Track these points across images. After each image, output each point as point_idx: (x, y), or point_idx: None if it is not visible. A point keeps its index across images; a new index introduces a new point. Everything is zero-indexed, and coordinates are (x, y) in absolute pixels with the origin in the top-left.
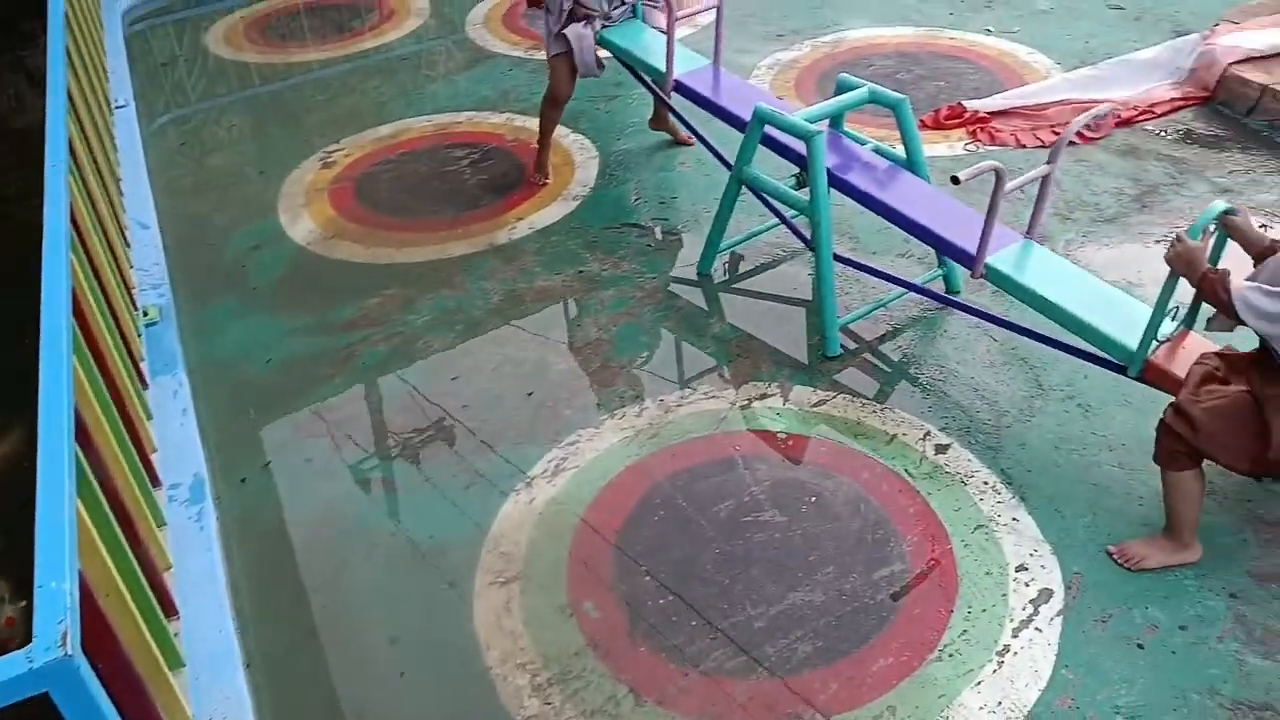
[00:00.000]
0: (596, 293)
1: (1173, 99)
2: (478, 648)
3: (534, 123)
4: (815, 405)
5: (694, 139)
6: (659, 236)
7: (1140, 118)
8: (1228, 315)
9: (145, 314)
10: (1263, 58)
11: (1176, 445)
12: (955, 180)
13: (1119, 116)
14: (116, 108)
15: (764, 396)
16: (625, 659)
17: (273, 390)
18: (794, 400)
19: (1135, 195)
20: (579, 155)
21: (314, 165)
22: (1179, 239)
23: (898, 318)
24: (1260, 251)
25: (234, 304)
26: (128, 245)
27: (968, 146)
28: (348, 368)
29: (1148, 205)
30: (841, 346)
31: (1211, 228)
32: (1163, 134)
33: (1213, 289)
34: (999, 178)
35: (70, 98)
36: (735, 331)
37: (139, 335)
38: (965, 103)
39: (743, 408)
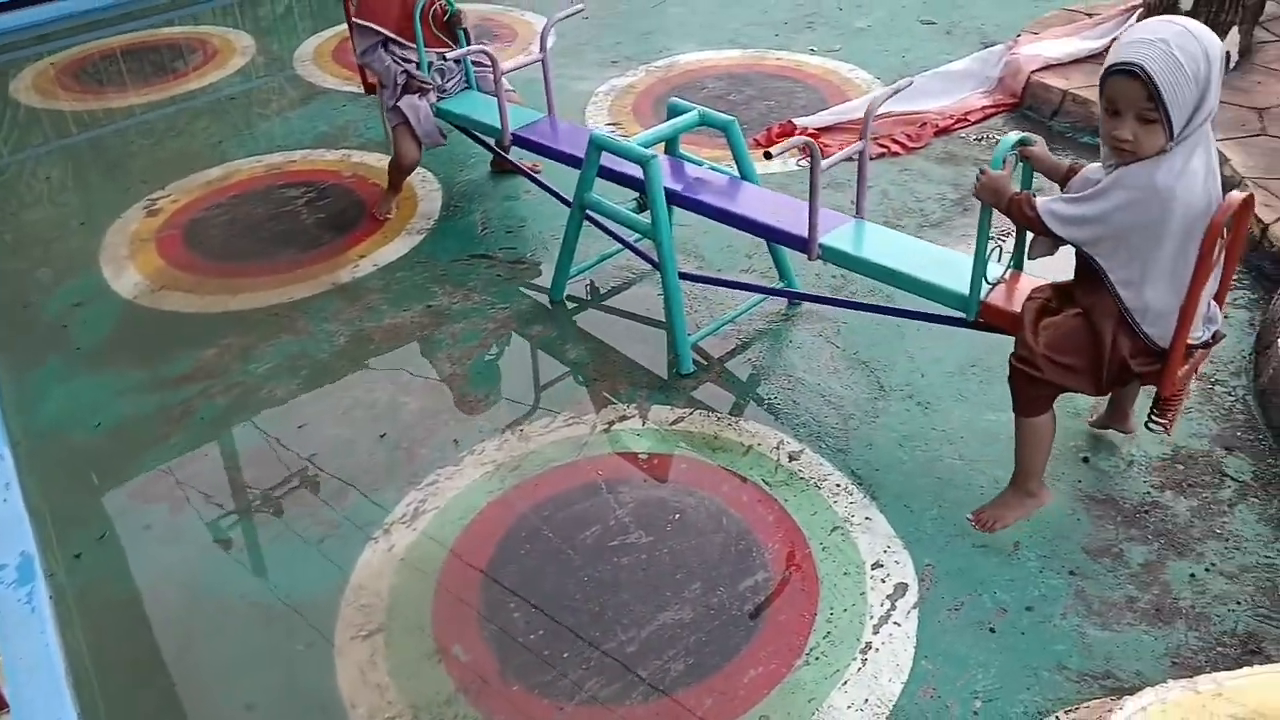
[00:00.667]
0: (447, 326)
1: (984, 107)
2: (342, 707)
3: (371, 158)
4: (674, 423)
5: (540, 165)
6: (508, 266)
7: (956, 126)
8: (1039, 232)
9: None
10: (1061, 65)
11: (1030, 388)
12: (768, 155)
13: (936, 126)
14: None
15: (624, 418)
16: (498, 700)
17: (105, 456)
18: (653, 419)
19: (956, 199)
20: (422, 188)
21: (139, 214)
22: (983, 171)
23: (746, 331)
24: (1063, 176)
25: (57, 367)
26: None
27: (799, 162)
28: (185, 425)
29: (969, 208)
30: (695, 363)
31: (1012, 158)
32: (978, 140)
33: (1020, 209)
34: (812, 153)
35: None
36: (592, 355)
37: None
38: (795, 120)
39: (603, 431)
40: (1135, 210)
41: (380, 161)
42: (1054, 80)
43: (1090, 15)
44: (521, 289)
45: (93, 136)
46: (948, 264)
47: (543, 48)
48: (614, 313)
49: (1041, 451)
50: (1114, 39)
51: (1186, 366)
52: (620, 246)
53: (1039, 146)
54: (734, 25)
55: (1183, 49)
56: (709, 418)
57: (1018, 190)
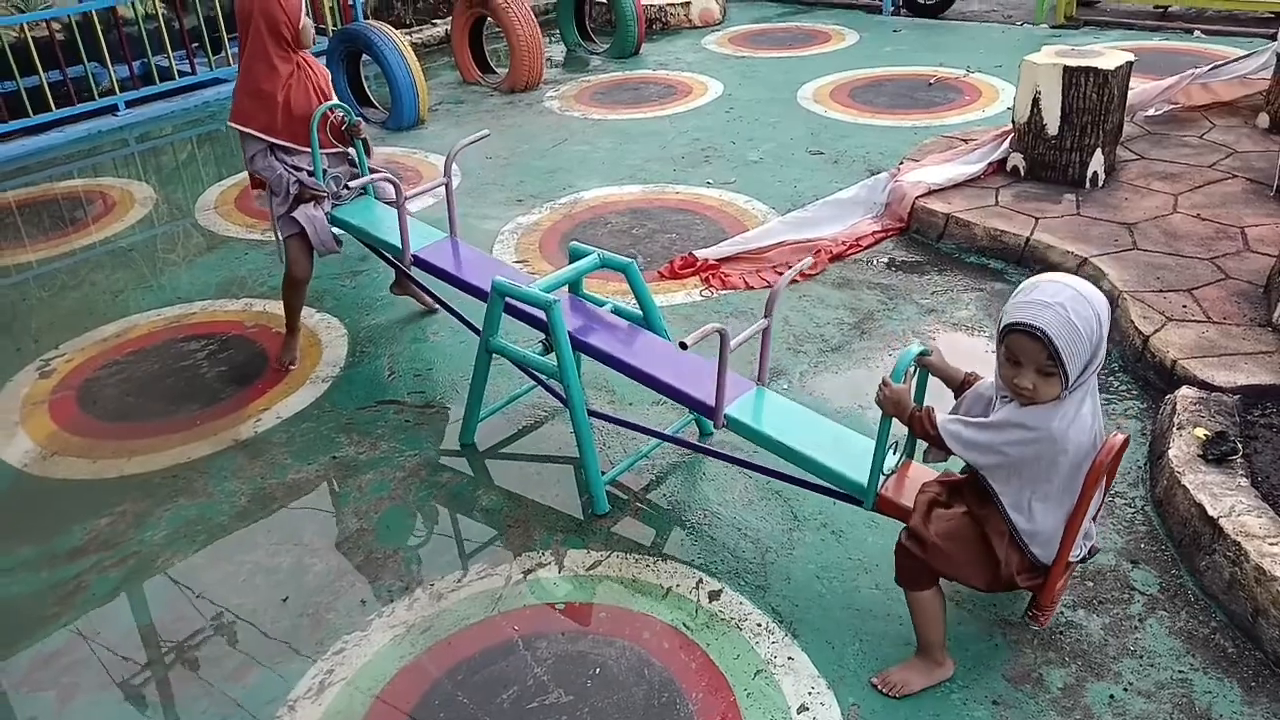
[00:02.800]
0: (354, 478)
1: (874, 232)
2: None
3: (274, 306)
4: (591, 568)
5: (438, 306)
6: (417, 411)
7: (849, 251)
8: (938, 448)
9: None
10: (942, 189)
11: (913, 567)
12: (683, 345)
13: (831, 252)
14: None
15: (539, 566)
16: None
17: None
18: (569, 566)
19: (854, 323)
20: (326, 335)
21: (31, 376)
22: (885, 384)
23: (660, 465)
24: (959, 385)
25: None
26: None
27: (703, 293)
28: (75, 602)
29: (866, 331)
30: (611, 500)
31: (912, 369)
32: (871, 264)
33: (921, 426)
34: (723, 338)
35: None
36: (505, 500)
37: None
38: (696, 252)
39: (519, 582)
40: (1029, 448)
41: (282, 309)
42: (937, 205)
43: (966, 141)
44: (431, 434)
45: None
46: (847, 446)
47: (447, 172)
48: (527, 453)
49: (935, 623)
50: (989, 164)
51: (1065, 577)
52: (527, 387)
53: (936, 356)
54: (634, 162)
55: (1078, 313)
56: (626, 559)
57: (918, 405)
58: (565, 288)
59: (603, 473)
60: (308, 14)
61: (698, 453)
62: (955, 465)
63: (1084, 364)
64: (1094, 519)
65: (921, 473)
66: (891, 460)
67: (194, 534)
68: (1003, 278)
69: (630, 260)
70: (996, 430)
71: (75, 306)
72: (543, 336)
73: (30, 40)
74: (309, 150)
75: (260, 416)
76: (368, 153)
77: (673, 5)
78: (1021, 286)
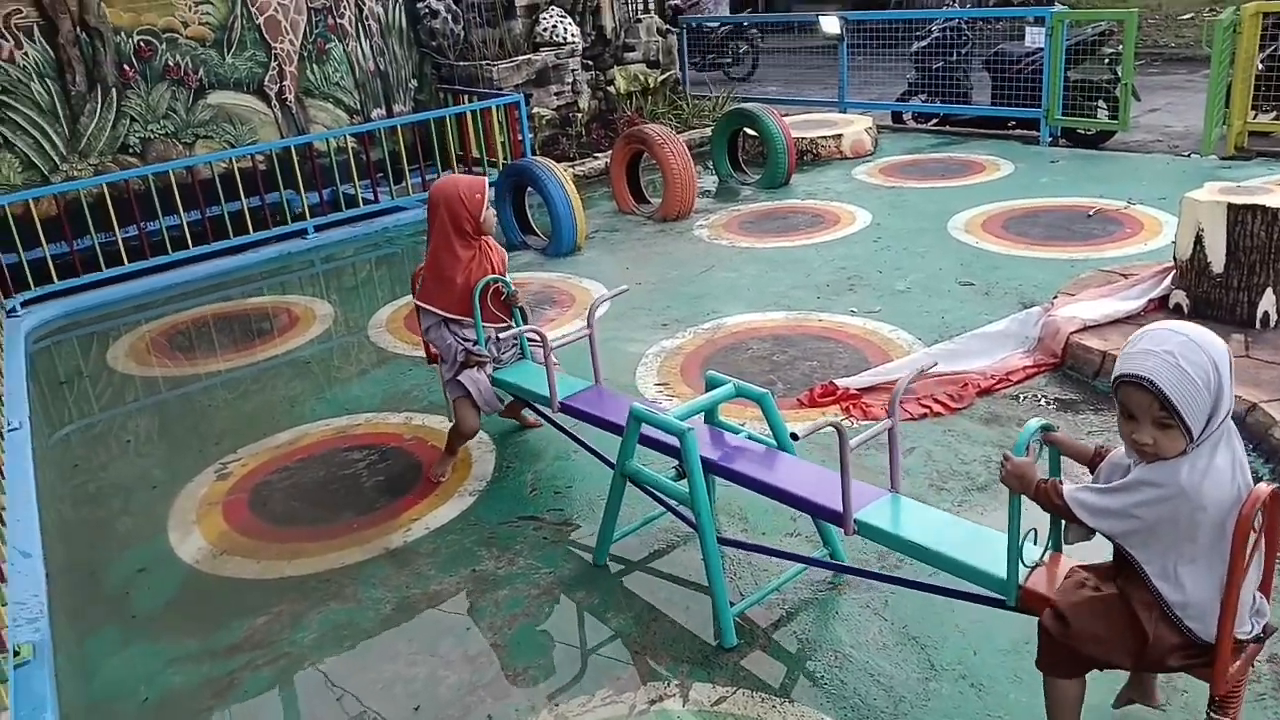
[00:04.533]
0: (491, 593)
1: (1026, 367)
2: None
3: (433, 420)
4: (716, 704)
5: (542, 422)
6: (555, 528)
7: (998, 386)
8: (1069, 520)
9: (16, 653)
10: (1099, 325)
11: (1056, 649)
12: (794, 436)
13: (979, 386)
14: (9, 430)
15: (663, 698)
16: None
17: None
18: (694, 700)
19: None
20: (476, 450)
21: (210, 477)
22: (1006, 458)
23: (791, 601)
24: (1090, 460)
25: (114, 635)
26: (3, 580)
27: (843, 423)
28: (229, 696)
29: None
30: (739, 632)
31: (1036, 446)
32: (1021, 400)
33: (1047, 497)
34: (840, 433)
35: None
36: (634, 625)
37: (4, 681)
38: (837, 381)
39: (642, 712)
40: (1163, 507)
41: (440, 424)
42: (1093, 341)
43: (1126, 276)
44: (566, 552)
45: (174, 400)
46: (985, 543)
47: (590, 323)
48: (658, 577)
49: (1065, 713)
50: (1150, 300)
51: (1239, 662)
52: (664, 510)
53: (1061, 432)
54: (778, 289)
55: (1188, 359)
56: (753, 698)
57: (1044, 477)
58: (700, 415)
59: (732, 604)
60: (492, 204)
61: (830, 569)
62: (1107, 552)
63: (1205, 413)
64: (1263, 591)
65: (1069, 566)
66: (1034, 551)
67: (341, 638)
68: None
69: (765, 391)
70: (1124, 493)
71: (255, 413)
72: (676, 462)
73: (236, 170)
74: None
75: (410, 526)
76: (525, 320)
77: (824, 137)
78: (1130, 338)
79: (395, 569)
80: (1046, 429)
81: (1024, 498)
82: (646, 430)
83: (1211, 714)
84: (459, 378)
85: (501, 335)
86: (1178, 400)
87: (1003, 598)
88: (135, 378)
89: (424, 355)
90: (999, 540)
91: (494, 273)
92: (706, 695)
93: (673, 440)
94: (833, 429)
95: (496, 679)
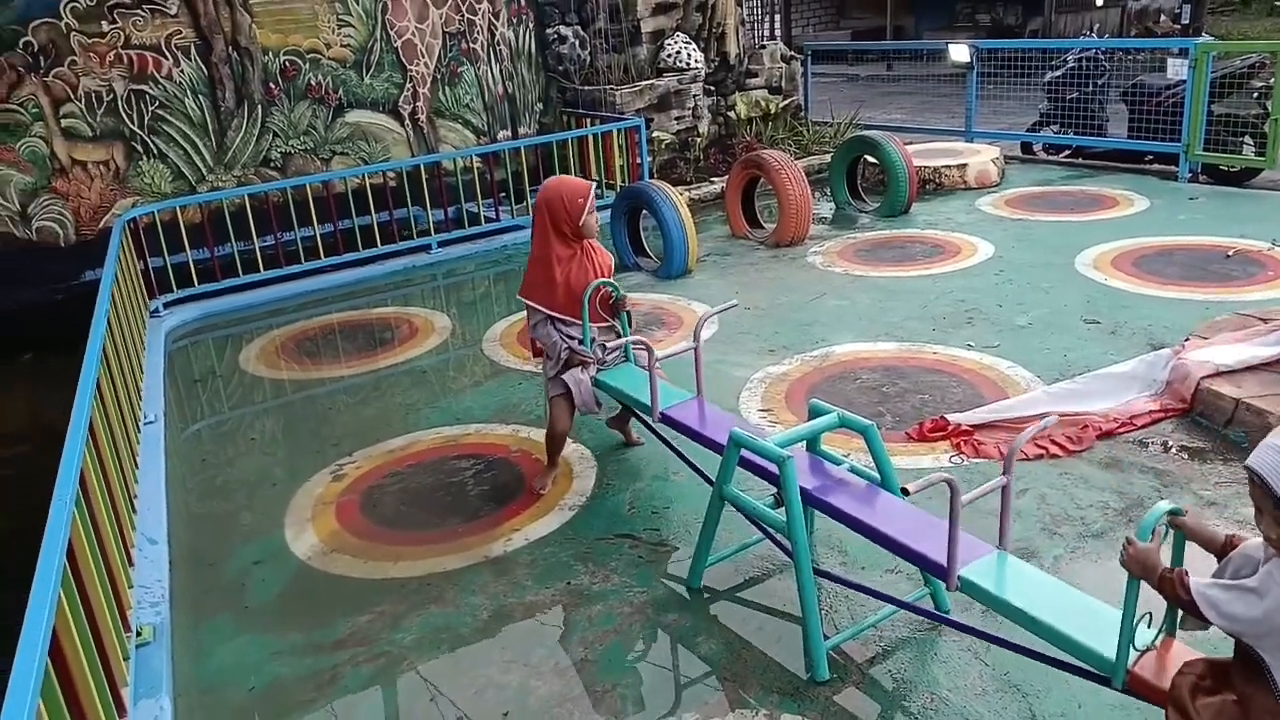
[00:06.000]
0: (585, 608)
1: (1151, 411)
2: None
3: (538, 434)
4: None
5: (644, 440)
6: (651, 547)
7: (1121, 430)
8: (1193, 614)
9: (139, 634)
10: (1233, 372)
11: None
12: (905, 492)
13: (1100, 429)
14: (145, 424)
15: None
16: None
17: (252, 718)
18: None
19: (1120, 509)
20: (578, 465)
21: (325, 478)
22: (1129, 542)
23: (888, 638)
24: (1220, 548)
25: (228, 623)
26: (130, 565)
27: (953, 459)
28: (330, 690)
29: (1134, 520)
30: (832, 669)
31: (1161, 529)
32: (1145, 446)
33: (1173, 589)
34: (953, 489)
35: (92, 427)
36: (725, 650)
37: (126, 659)
38: (948, 416)
39: None
40: None
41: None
42: (1226, 388)
43: (1265, 320)
44: (661, 572)
45: (298, 403)
46: (1094, 617)
47: (696, 337)
48: (752, 605)
49: None
50: None
51: None
52: (757, 538)
53: (1190, 516)
54: (892, 319)
55: None
56: None
57: (1169, 567)
58: (802, 444)
59: (826, 637)
60: (594, 210)
61: (928, 618)
62: (1225, 645)
63: None
64: None
65: (1184, 652)
66: (1147, 634)
67: (439, 641)
68: None
69: (870, 424)
70: (1255, 593)
71: (372, 418)
72: (775, 490)
73: (368, 186)
74: (581, 322)
75: (511, 536)
76: (630, 323)
77: (948, 166)
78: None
79: (494, 577)
80: (1175, 513)
81: None
82: (747, 455)
83: None
84: (562, 376)
85: (609, 345)
86: None
87: (1109, 679)
88: (264, 379)
89: (534, 369)
90: (1107, 614)
91: (598, 274)
92: None
93: (772, 467)
94: (946, 484)
95: (585, 694)
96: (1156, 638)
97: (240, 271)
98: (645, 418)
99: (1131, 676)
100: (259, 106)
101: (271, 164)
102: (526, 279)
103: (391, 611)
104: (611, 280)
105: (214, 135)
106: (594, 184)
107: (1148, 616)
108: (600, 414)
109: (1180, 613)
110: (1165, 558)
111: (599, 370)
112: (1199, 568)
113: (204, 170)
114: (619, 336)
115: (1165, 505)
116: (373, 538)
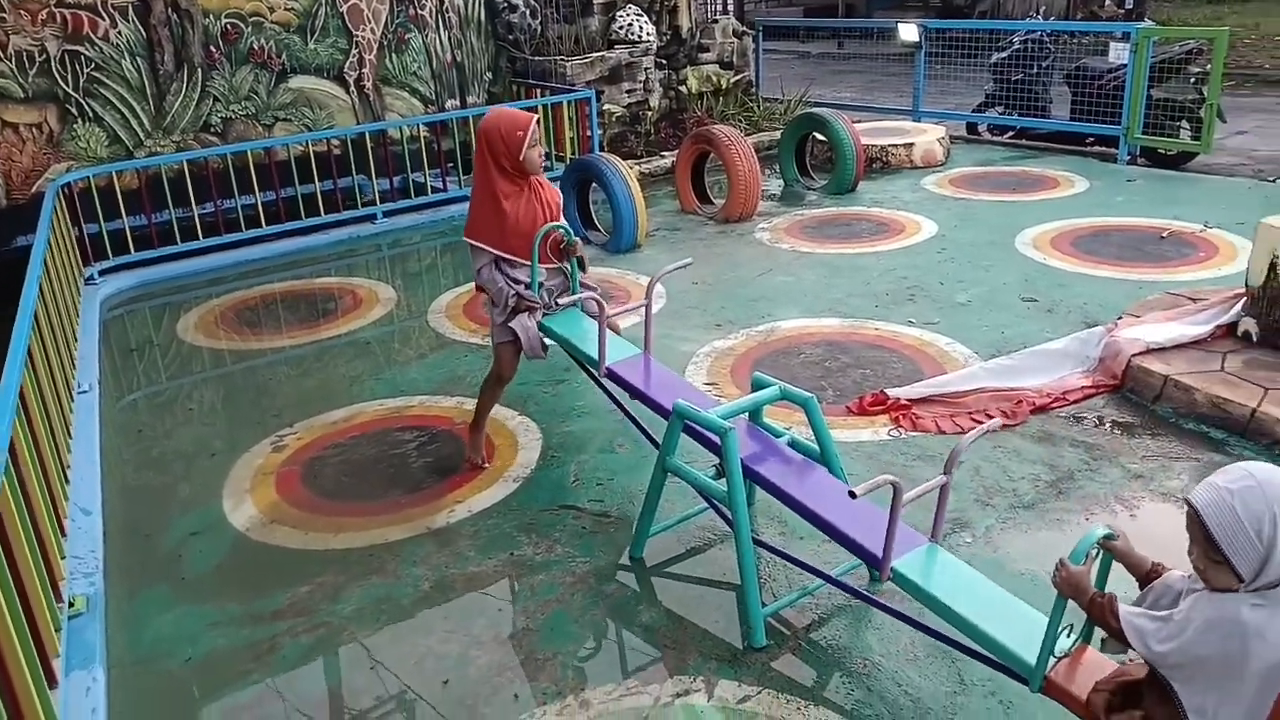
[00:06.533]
0: (528, 578)
1: (1084, 387)
2: None
3: None
4: (741, 701)
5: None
6: (594, 518)
7: (1054, 405)
8: (1118, 640)
9: (71, 604)
10: (1163, 349)
11: None
12: (852, 495)
13: (1034, 404)
14: (79, 393)
15: (689, 692)
16: None
17: (188, 689)
18: (719, 696)
19: (1051, 481)
20: (524, 437)
21: (265, 449)
22: (1062, 564)
23: (824, 605)
24: (1144, 574)
25: (164, 594)
26: (63, 535)
27: (891, 432)
28: (268, 661)
29: (1064, 491)
30: (770, 635)
31: (1094, 552)
32: (1077, 420)
33: (1102, 614)
34: (896, 491)
35: (22, 394)
36: (666, 619)
37: (58, 630)
38: (888, 390)
39: (666, 705)
40: (1219, 643)
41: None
42: (1156, 365)
43: (1194, 300)
44: (604, 543)
45: (238, 373)
46: (1017, 619)
47: (649, 294)
48: (693, 574)
49: None
50: (1217, 326)
51: None
52: (700, 508)
53: (1122, 540)
54: (836, 295)
55: (1246, 504)
56: (778, 699)
57: (1099, 591)
58: (744, 416)
59: (764, 605)
60: (537, 143)
61: (857, 598)
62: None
63: (1255, 562)
64: None
65: (1097, 660)
66: (1065, 642)
67: (379, 611)
68: (1223, 449)
69: (810, 396)
70: (1181, 625)
71: (314, 389)
72: (717, 461)
73: (312, 154)
74: (529, 264)
75: (454, 508)
76: (583, 268)
77: (895, 145)
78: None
79: (436, 548)
80: (1108, 538)
81: None
82: (691, 425)
83: None
84: (511, 323)
85: (561, 303)
86: (1220, 539)
87: (1027, 680)
88: (203, 349)
89: (480, 342)
90: (1030, 617)
91: (547, 212)
92: (731, 693)
93: (715, 438)
94: (891, 486)
95: (526, 661)
96: (1073, 645)
97: (179, 239)
98: (591, 369)
99: (1048, 682)
100: (199, 70)
101: (212, 129)
102: (470, 217)
103: (332, 582)
104: (563, 223)
105: (152, 99)
106: (536, 116)
107: (1070, 628)
108: (545, 358)
109: (1104, 638)
110: (1092, 575)
111: (545, 316)
112: (1124, 593)
113: (141, 135)
114: (566, 280)
115: (1100, 530)
116: (314, 509)
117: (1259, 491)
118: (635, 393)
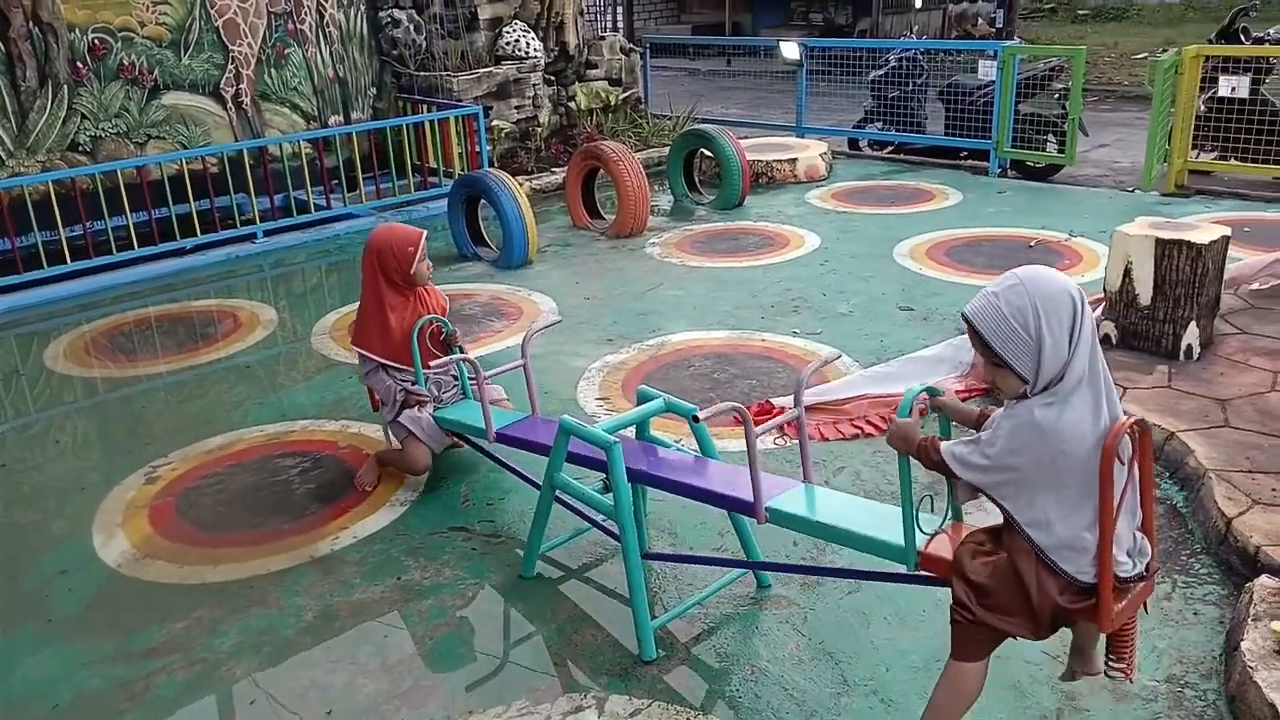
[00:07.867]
0: (415, 603)
1: (957, 391)
2: None
3: (368, 429)
4: (632, 715)
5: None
6: (484, 539)
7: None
8: (943, 473)
9: None
10: None
11: (967, 631)
12: (695, 419)
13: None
14: None
15: (580, 709)
16: None
17: None
18: (610, 711)
19: (927, 483)
20: None
21: (138, 481)
22: (892, 421)
23: (712, 615)
24: (975, 422)
25: (29, 638)
26: None
27: (776, 441)
28: (142, 701)
29: (939, 493)
30: (660, 647)
31: (924, 408)
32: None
33: (926, 454)
34: (743, 417)
35: None
36: (556, 637)
37: None
38: (774, 400)
39: None
40: (1024, 449)
41: (376, 433)
42: None
43: None
44: (494, 564)
45: (115, 399)
46: (890, 520)
47: (524, 354)
48: (584, 590)
49: (954, 704)
50: None
51: (1125, 602)
52: (593, 523)
53: (948, 396)
54: (724, 308)
55: (1009, 300)
56: (668, 711)
57: (926, 436)
58: (631, 430)
59: (655, 617)
60: (425, 257)
61: (747, 567)
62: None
63: (1030, 356)
64: (1143, 530)
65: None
66: (933, 520)
67: (260, 645)
68: None
69: (694, 407)
70: (989, 441)
71: (192, 416)
72: (603, 477)
73: (187, 172)
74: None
75: (338, 535)
76: (461, 351)
77: (779, 160)
78: None
79: (320, 576)
80: (932, 392)
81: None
82: (579, 449)
83: (1110, 662)
84: (400, 419)
85: (430, 364)
86: (991, 339)
87: (903, 564)
88: (74, 378)
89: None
90: (900, 515)
91: (432, 314)
92: (623, 707)
93: (601, 455)
94: (734, 414)
95: (414, 688)
96: (944, 522)
97: (45, 264)
98: (481, 443)
99: (923, 557)
100: (65, 86)
101: (80, 148)
102: (358, 327)
103: (209, 617)
104: (442, 316)
105: (14, 117)
106: (425, 233)
107: (928, 499)
108: (450, 443)
109: (953, 489)
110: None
111: (436, 408)
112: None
113: (3, 154)
114: (456, 376)
115: (921, 385)
116: (190, 542)
117: (1021, 288)
118: (528, 446)
